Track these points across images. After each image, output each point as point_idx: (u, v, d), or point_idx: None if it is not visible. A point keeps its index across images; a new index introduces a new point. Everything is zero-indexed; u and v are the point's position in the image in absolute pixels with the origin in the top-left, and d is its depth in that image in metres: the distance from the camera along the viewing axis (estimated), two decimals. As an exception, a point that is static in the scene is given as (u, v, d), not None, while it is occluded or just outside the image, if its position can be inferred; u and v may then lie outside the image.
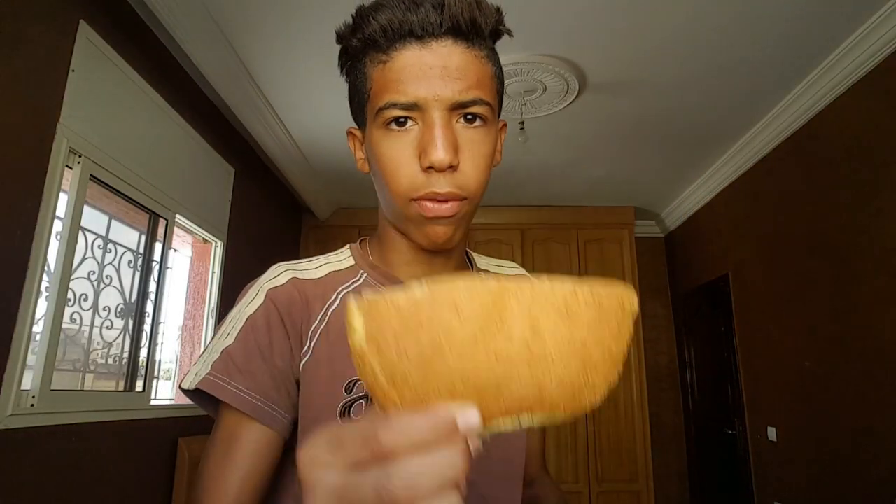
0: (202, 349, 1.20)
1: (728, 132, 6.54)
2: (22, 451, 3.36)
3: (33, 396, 3.45)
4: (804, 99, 5.57)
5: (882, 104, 4.77)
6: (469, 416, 0.56)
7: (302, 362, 1.23)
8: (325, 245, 8.66)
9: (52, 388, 3.62)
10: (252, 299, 1.27)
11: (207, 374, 1.21)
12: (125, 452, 4.35)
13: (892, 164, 4.65)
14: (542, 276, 0.66)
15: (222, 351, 1.23)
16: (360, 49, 1.24)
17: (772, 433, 6.40)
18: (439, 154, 1.12)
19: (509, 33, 1.32)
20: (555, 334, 0.60)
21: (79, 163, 3.84)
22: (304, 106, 5.97)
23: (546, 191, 8.35)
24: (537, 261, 8.59)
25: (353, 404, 1.20)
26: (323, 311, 1.28)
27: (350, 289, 1.32)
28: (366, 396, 1.20)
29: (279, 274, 1.31)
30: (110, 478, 4.16)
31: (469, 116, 1.18)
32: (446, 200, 1.17)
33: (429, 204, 1.17)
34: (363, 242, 1.45)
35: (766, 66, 5.23)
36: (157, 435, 4.78)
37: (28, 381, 3.47)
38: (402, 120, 1.17)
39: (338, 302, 1.29)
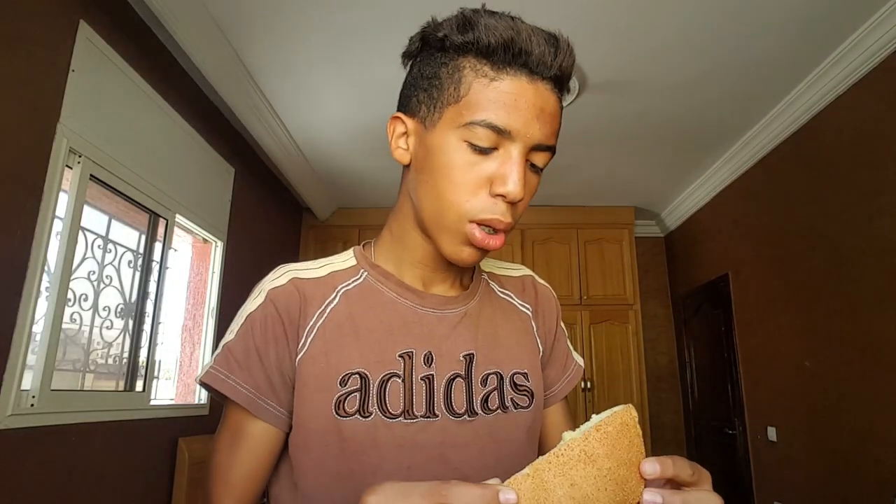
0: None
1: (728, 132, 6.55)
2: (22, 451, 3.36)
3: (33, 396, 3.46)
4: (804, 99, 5.57)
5: (882, 104, 4.76)
6: (509, 496, 0.80)
7: (298, 357, 1.27)
8: (325, 245, 8.71)
9: (52, 388, 3.62)
10: (254, 298, 1.33)
11: (210, 367, 1.29)
12: (125, 452, 4.35)
13: (892, 164, 4.65)
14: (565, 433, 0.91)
15: (223, 346, 1.30)
16: (461, 49, 1.22)
17: (772, 433, 6.40)
18: (517, 188, 1.16)
19: (569, 90, 1.42)
20: (586, 478, 0.85)
21: (79, 163, 3.84)
22: (304, 106, 5.96)
23: (546, 191, 8.28)
24: (537, 261, 8.58)
25: (347, 397, 1.23)
26: (322, 309, 1.31)
27: (350, 287, 1.35)
28: (359, 390, 1.24)
29: (281, 275, 1.34)
30: (110, 478, 4.16)
31: (536, 166, 1.24)
32: (499, 232, 1.22)
33: (480, 234, 1.21)
34: (366, 245, 1.46)
35: (766, 66, 5.22)
36: (157, 435, 4.78)
37: (28, 381, 3.47)
38: (488, 150, 1.18)
39: (337, 299, 1.33)
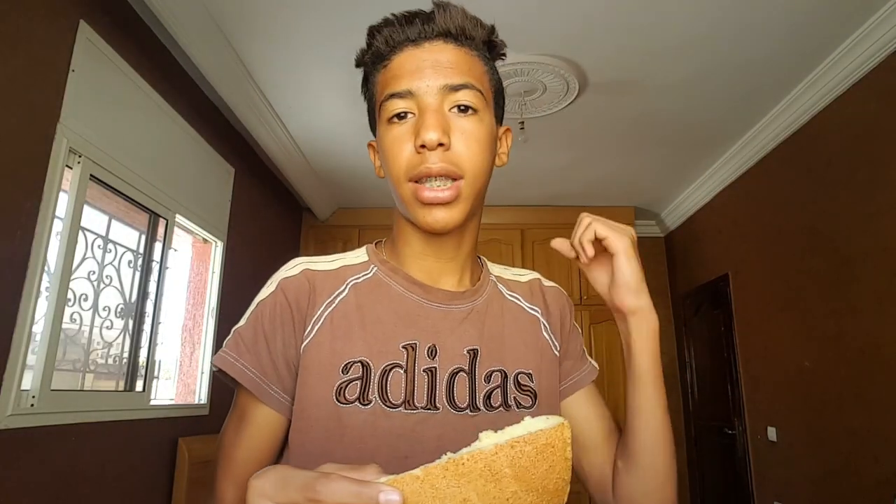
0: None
1: (728, 132, 6.56)
2: (22, 451, 3.36)
3: (33, 396, 3.46)
4: (804, 99, 5.58)
5: (882, 104, 4.77)
6: (392, 497, 0.71)
7: (304, 344, 1.30)
8: (325, 245, 8.72)
9: (52, 388, 3.62)
10: (267, 287, 1.38)
11: (221, 350, 1.32)
12: (125, 452, 4.35)
13: (892, 164, 4.65)
14: (489, 433, 0.82)
15: (234, 331, 1.34)
16: (370, 64, 1.40)
17: (772, 433, 6.40)
18: (429, 133, 1.23)
19: (503, 45, 1.45)
20: (483, 496, 0.76)
21: (79, 163, 3.84)
22: (304, 106, 5.97)
23: (546, 191, 8.37)
24: (537, 261, 8.59)
25: (347, 385, 1.26)
26: (331, 298, 1.36)
27: (360, 280, 1.40)
28: (360, 378, 1.27)
29: (295, 266, 1.40)
30: (110, 478, 4.16)
31: (462, 107, 1.29)
32: (441, 177, 1.27)
33: (426, 193, 1.26)
34: (378, 243, 1.53)
35: (766, 66, 5.23)
36: (157, 435, 4.78)
37: (28, 381, 3.48)
38: (402, 114, 1.29)
39: (346, 291, 1.37)
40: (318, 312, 1.33)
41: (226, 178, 6.17)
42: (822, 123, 5.55)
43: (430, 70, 1.29)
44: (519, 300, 1.54)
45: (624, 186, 8.25)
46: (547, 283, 1.64)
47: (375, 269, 1.43)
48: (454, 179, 1.27)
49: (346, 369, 1.27)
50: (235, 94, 5.48)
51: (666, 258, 9.62)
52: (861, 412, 5.01)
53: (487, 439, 0.79)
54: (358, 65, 1.45)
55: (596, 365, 1.63)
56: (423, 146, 1.24)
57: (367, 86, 1.43)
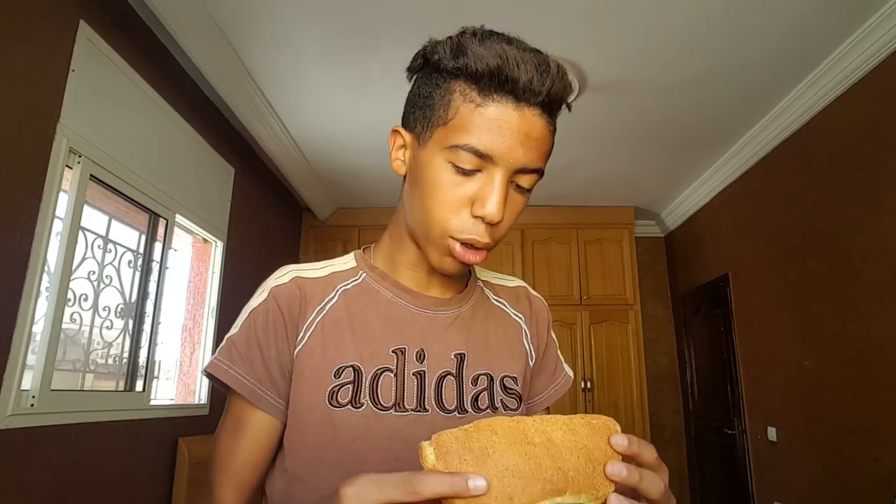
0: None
1: (728, 132, 6.56)
2: (22, 451, 3.36)
3: (33, 396, 3.46)
4: (804, 99, 5.58)
5: (882, 104, 4.77)
6: (478, 482, 0.82)
7: (296, 350, 1.34)
8: (325, 245, 8.73)
9: (52, 388, 3.62)
10: (258, 295, 1.40)
11: (214, 358, 1.36)
12: (125, 452, 4.35)
13: (892, 164, 4.65)
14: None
15: (227, 339, 1.37)
16: (452, 73, 1.27)
17: (772, 433, 6.40)
18: (495, 211, 1.20)
19: (569, 108, 1.38)
20: (563, 440, 0.90)
21: (79, 163, 3.84)
22: (304, 106, 5.98)
23: (546, 191, 8.33)
24: (537, 261, 8.61)
25: (339, 389, 1.30)
26: (321, 305, 1.39)
27: (349, 286, 1.42)
28: (352, 382, 1.31)
29: (284, 274, 1.42)
30: (110, 478, 4.16)
31: (521, 187, 1.27)
32: (480, 250, 1.28)
33: (462, 252, 1.26)
34: (367, 249, 1.54)
35: (766, 66, 5.24)
36: (157, 435, 4.78)
37: (28, 381, 3.48)
38: (469, 171, 1.23)
39: (336, 298, 1.40)
40: (310, 319, 1.36)
41: (226, 177, 6.17)
42: (822, 123, 5.55)
43: (519, 146, 1.22)
44: (504, 306, 1.58)
45: (624, 186, 8.25)
46: (533, 293, 1.67)
47: (364, 275, 1.45)
48: (488, 250, 1.29)
49: (337, 374, 1.31)
50: (235, 94, 5.48)
51: (666, 258, 9.63)
52: (861, 412, 5.01)
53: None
54: (434, 51, 1.31)
55: (570, 374, 1.68)
56: (481, 217, 1.22)
57: (434, 85, 1.31)
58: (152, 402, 4.92)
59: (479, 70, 1.21)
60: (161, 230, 5.01)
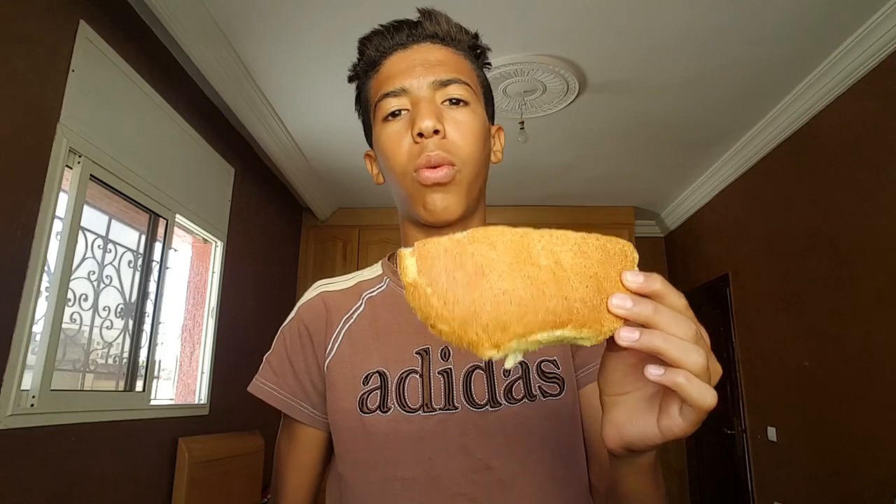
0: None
1: (728, 132, 6.57)
2: (22, 451, 3.36)
3: (33, 396, 3.46)
4: (804, 99, 5.58)
5: (882, 104, 4.77)
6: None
7: (327, 362, 1.40)
8: (325, 245, 8.74)
9: (52, 388, 3.62)
10: (290, 315, 1.51)
11: (255, 378, 1.47)
12: (125, 452, 4.35)
13: (893, 164, 4.65)
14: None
15: (265, 359, 1.48)
16: (363, 74, 1.45)
17: (772, 433, 6.41)
18: (424, 121, 1.26)
19: (487, 50, 1.50)
20: (573, 264, 0.78)
21: (79, 163, 3.84)
22: (304, 106, 5.98)
23: (546, 191, 8.41)
24: None
25: (368, 395, 1.33)
26: (348, 315, 1.45)
27: (374, 293, 1.48)
28: (380, 387, 1.33)
29: (313, 290, 1.53)
30: (110, 478, 4.16)
31: (453, 100, 1.33)
32: (439, 166, 1.28)
33: (425, 172, 1.28)
34: (392, 256, 1.56)
35: (766, 66, 5.24)
36: (157, 435, 4.78)
37: (28, 381, 3.47)
38: (396, 112, 1.33)
39: (363, 306, 1.45)
40: (337, 330, 1.42)
41: (226, 177, 6.18)
42: (822, 123, 5.54)
43: (420, 68, 1.33)
44: None
45: (624, 186, 8.26)
46: None
47: (388, 280, 1.48)
48: (450, 165, 1.30)
49: (366, 380, 1.34)
50: (235, 94, 5.49)
51: (666, 258, 9.66)
52: (861, 412, 5.01)
53: None
54: (351, 79, 1.50)
55: None
56: (420, 135, 1.27)
57: (361, 99, 1.49)
58: (152, 403, 4.91)
59: (370, 54, 1.41)
60: (161, 230, 5.00)
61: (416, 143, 1.28)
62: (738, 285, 7.29)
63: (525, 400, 1.33)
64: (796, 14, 4.55)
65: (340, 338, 1.40)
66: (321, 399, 1.41)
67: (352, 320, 1.42)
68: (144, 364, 4.78)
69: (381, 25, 1.41)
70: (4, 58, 3.22)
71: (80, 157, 3.84)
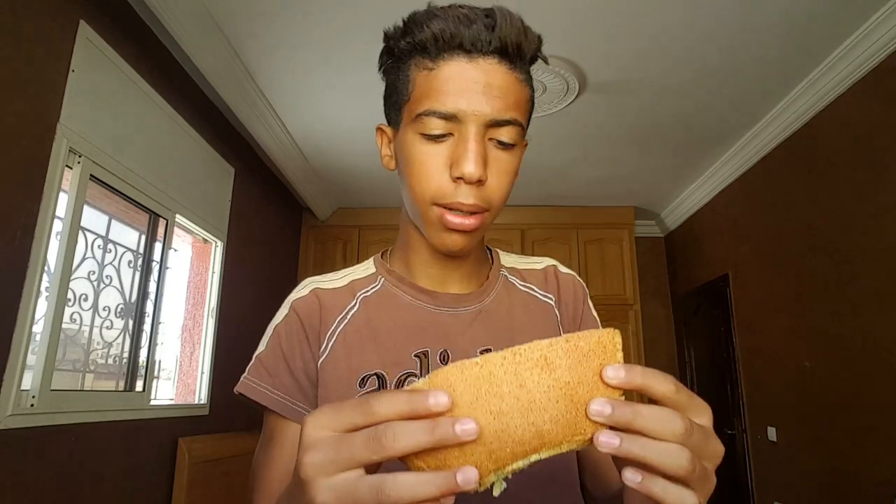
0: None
1: (728, 132, 6.58)
2: (22, 451, 3.37)
3: (33, 396, 3.46)
4: (804, 99, 5.58)
5: (882, 104, 4.77)
6: (439, 398, 0.71)
7: (320, 361, 1.34)
8: (326, 245, 8.76)
9: (52, 388, 3.62)
10: (280, 311, 1.42)
11: (244, 378, 1.36)
12: (125, 452, 4.36)
13: (892, 164, 4.66)
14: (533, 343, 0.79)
15: (255, 357, 1.38)
16: (406, 52, 1.28)
17: (772, 433, 6.42)
18: (470, 167, 1.17)
19: (545, 61, 1.39)
20: (538, 383, 0.75)
21: (79, 163, 3.84)
22: (304, 106, 5.99)
23: (546, 191, 8.42)
24: None
25: None
26: (342, 314, 1.39)
27: (369, 293, 1.42)
28: (377, 390, 1.28)
29: (304, 286, 1.44)
30: (110, 478, 4.17)
31: (502, 142, 1.22)
32: (471, 213, 1.23)
33: (451, 218, 1.22)
34: (385, 253, 1.54)
35: (765, 66, 5.25)
36: (157, 435, 4.79)
37: (28, 381, 3.48)
38: (440, 136, 1.21)
39: (357, 306, 1.40)
40: (331, 329, 1.37)
41: (226, 177, 6.18)
42: (822, 124, 5.55)
43: (480, 96, 1.20)
44: (533, 290, 1.53)
45: (624, 186, 8.27)
46: (563, 269, 1.60)
47: (383, 280, 1.44)
48: (482, 213, 1.25)
49: (362, 383, 1.30)
50: (235, 94, 5.50)
51: (666, 258, 9.66)
52: (861, 412, 5.02)
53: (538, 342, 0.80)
54: (387, 39, 1.34)
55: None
56: (461, 177, 1.20)
57: (396, 71, 1.33)
58: (152, 403, 4.92)
59: (424, 38, 1.22)
60: (161, 230, 5.01)
61: (453, 182, 1.22)
62: (738, 285, 7.30)
63: None
64: (796, 13, 4.55)
65: (335, 337, 1.36)
66: (315, 397, 1.34)
67: (346, 320, 1.38)
68: (144, 364, 4.79)
69: (447, 8, 1.25)
70: (4, 58, 3.22)
71: (80, 157, 3.84)
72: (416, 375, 1.31)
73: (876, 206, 4.84)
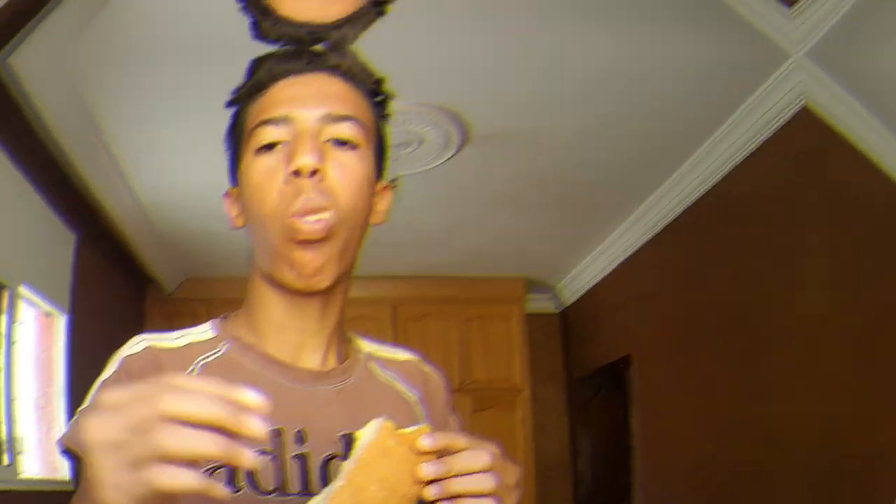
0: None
1: (632, 192, 6.83)
2: None
3: None
4: (716, 154, 5.89)
5: (794, 163, 5.13)
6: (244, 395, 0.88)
7: None
8: (172, 321, 8.82)
9: None
10: (109, 367, 1.42)
11: (66, 433, 1.34)
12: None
13: (810, 228, 4.97)
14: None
15: (79, 413, 1.33)
16: (246, 97, 1.45)
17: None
18: (303, 157, 1.27)
19: (391, 97, 1.56)
20: (387, 468, 1.05)
21: None
22: (153, 165, 6.06)
23: (422, 259, 8.58)
24: (411, 341, 7.78)
25: (214, 472, 1.27)
26: None
27: (210, 359, 1.44)
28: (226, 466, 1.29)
29: (137, 343, 1.44)
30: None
31: (342, 141, 1.36)
32: (315, 211, 1.30)
33: (299, 221, 1.29)
34: (227, 317, 1.57)
35: (672, 119, 5.49)
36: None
37: None
38: (272, 145, 1.33)
39: (197, 371, 1.40)
40: None
41: (66, 245, 6.31)
42: (734, 183, 5.88)
43: (312, 98, 1.35)
44: (396, 381, 1.61)
45: (513, 254, 8.48)
46: (428, 367, 1.73)
47: (227, 346, 1.46)
48: (328, 211, 1.31)
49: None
50: (80, 151, 5.48)
51: (561, 337, 9.83)
52: (758, 497, 5.45)
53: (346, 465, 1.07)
54: (231, 103, 1.49)
55: None
56: (296, 172, 1.28)
57: (234, 128, 1.49)
58: (21, 478, 5.15)
59: (262, 76, 1.42)
60: (4, 302, 5.11)
61: (290, 183, 1.29)
62: (641, 367, 7.62)
63: None
64: (703, 65, 4.79)
65: None
66: None
67: None
68: (6, 439, 4.97)
69: (280, 48, 1.43)
70: None
71: None
72: (269, 455, 1.34)
73: (794, 273, 5.15)
